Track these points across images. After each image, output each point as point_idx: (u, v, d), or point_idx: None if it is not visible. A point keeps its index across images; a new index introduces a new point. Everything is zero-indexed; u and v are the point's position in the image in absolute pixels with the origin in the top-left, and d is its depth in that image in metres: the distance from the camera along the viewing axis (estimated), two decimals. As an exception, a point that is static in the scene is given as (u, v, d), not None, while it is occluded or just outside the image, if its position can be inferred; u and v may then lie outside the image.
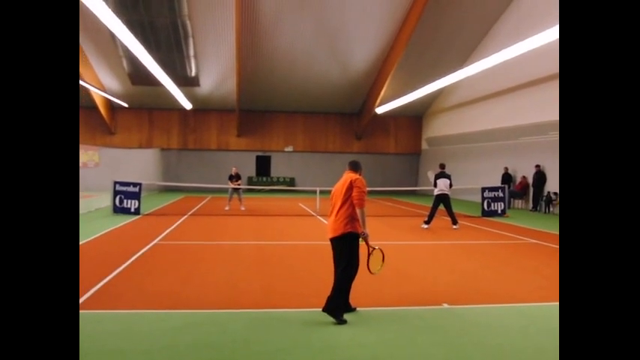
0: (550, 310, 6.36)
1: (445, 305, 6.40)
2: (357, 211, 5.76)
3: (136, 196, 16.65)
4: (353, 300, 5.99)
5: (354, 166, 6.19)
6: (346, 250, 5.77)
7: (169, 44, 24.79)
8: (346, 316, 5.70)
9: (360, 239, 5.86)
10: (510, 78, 22.26)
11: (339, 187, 6.01)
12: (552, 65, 19.27)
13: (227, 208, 18.91)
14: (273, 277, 7.95)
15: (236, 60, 23.71)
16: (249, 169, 32.35)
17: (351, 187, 5.84)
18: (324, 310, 5.68)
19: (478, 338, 5.21)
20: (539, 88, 20.61)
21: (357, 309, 6.04)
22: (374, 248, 6.09)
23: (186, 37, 24.24)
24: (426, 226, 14.41)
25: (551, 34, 12.99)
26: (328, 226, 5.97)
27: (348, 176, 5.98)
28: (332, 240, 5.89)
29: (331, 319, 5.61)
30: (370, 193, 27.87)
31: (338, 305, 5.69)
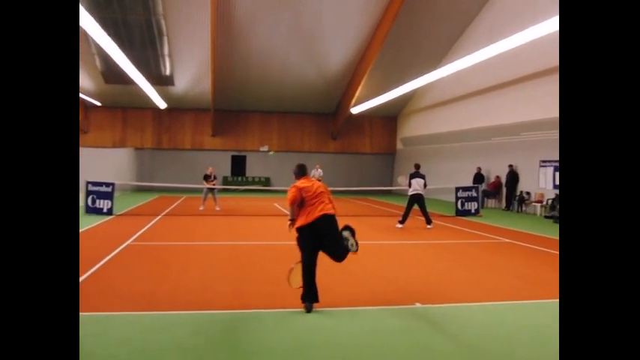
0: (522, 308, 6.45)
1: (418, 304, 6.44)
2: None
3: (108, 196, 16.44)
4: (328, 300, 6.04)
5: (295, 174, 6.81)
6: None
7: (143, 42, 24.54)
8: (318, 317, 5.72)
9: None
10: (483, 79, 22.50)
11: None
12: (524, 67, 19.54)
13: (202, 208, 18.78)
14: (246, 277, 7.93)
15: (211, 59, 23.58)
16: (225, 168, 32.18)
17: None
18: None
19: (450, 337, 5.26)
20: (512, 89, 20.88)
21: (329, 309, 6.11)
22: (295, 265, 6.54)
23: (160, 35, 24.03)
24: (400, 225, 14.49)
25: (523, 37, 13.19)
26: None
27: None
28: None
29: (304, 319, 5.64)
30: (345, 192, 27.99)
31: (304, 292, 6.17)
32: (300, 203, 6.37)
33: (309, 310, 6.04)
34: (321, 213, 6.25)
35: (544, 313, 6.30)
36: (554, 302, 6.79)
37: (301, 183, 6.52)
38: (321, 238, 6.28)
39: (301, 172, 6.73)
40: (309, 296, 6.14)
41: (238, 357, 4.63)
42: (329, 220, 6.28)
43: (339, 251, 6.29)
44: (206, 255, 9.83)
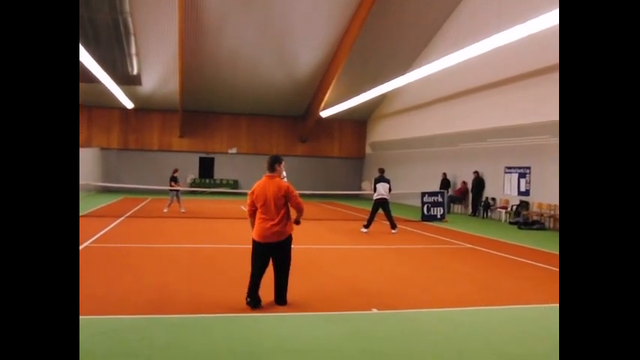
0: (475, 314, 6.45)
1: (374, 310, 6.39)
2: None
3: (69, 196, 16.10)
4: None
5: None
6: None
7: (110, 41, 24.10)
8: (272, 321, 5.67)
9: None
10: (450, 86, 22.68)
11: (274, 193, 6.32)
12: (490, 74, 19.77)
13: (166, 211, 18.51)
14: (203, 281, 7.81)
15: (179, 59, 23.29)
16: (192, 170, 31.82)
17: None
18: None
19: (403, 344, 5.22)
20: (479, 96, 21.09)
21: (283, 314, 6.05)
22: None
23: (127, 34, 23.63)
24: (365, 230, 14.47)
25: (489, 44, 13.31)
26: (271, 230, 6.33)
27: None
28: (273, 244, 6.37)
29: (257, 324, 5.55)
30: (313, 196, 27.94)
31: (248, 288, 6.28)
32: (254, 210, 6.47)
33: (253, 306, 6.19)
34: (267, 240, 6.31)
35: (496, 318, 6.32)
36: (507, 308, 6.85)
37: (258, 185, 6.41)
38: (270, 258, 6.48)
39: (270, 166, 6.49)
40: (251, 293, 6.28)
41: (184, 363, 4.52)
42: (275, 247, 6.37)
43: (284, 274, 6.46)
44: (165, 257, 9.66)
